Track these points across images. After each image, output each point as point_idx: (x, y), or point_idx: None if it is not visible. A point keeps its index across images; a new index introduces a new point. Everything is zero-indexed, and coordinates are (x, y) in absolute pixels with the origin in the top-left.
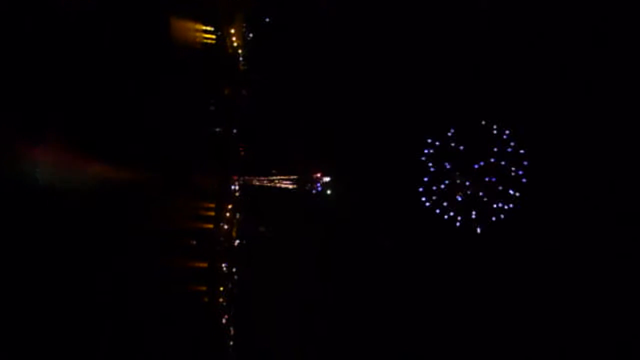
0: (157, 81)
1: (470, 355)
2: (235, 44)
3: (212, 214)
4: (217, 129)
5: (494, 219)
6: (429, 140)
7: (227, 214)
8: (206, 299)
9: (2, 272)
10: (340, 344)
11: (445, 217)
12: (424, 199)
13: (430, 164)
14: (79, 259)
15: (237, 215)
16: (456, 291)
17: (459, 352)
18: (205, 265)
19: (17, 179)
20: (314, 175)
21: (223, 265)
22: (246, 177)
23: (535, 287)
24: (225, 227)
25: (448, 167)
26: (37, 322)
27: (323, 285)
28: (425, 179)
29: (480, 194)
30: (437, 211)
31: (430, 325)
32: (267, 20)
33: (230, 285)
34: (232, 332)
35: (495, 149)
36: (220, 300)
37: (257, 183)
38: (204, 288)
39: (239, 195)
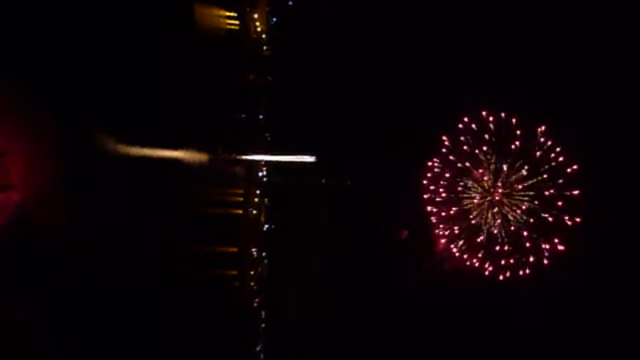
0: (182, 67)
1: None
2: (259, 29)
3: (241, 199)
4: (242, 115)
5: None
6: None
7: (256, 199)
8: (237, 283)
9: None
10: (369, 328)
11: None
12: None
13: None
14: (111, 246)
15: (266, 201)
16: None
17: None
18: (235, 250)
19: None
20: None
21: (253, 249)
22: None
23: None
24: (254, 212)
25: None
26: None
27: (353, 269)
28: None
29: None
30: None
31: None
32: (290, 3)
33: (260, 270)
34: (263, 315)
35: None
36: (251, 284)
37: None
38: (234, 272)
39: (267, 181)
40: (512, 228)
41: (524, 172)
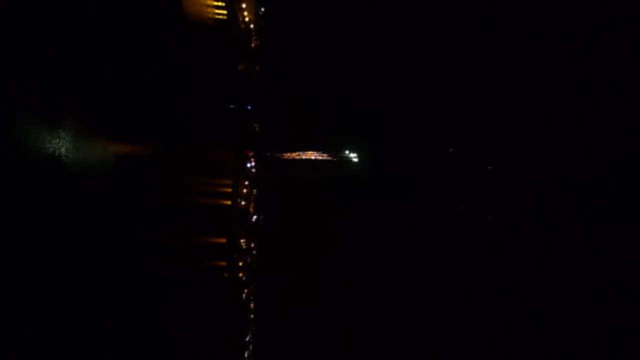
0: (170, 58)
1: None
2: (247, 19)
3: (229, 190)
4: (232, 106)
5: None
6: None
7: (244, 190)
8: (226, 274)
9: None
10: (359, 319)
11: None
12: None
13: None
14: (100, 234)
15: (254, 191)
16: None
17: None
18: (224, 240)
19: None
20: None
21: (242, 240)
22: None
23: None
24: (243, 203)
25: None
26: (55, 304)
27: (342, 260)
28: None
29: None
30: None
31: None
32: None
33: (249, 260)
34: (252, 306)
35: None
36: (240, 275)
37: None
38: (223, 263)
39: (256, 172)
40: None
41: None
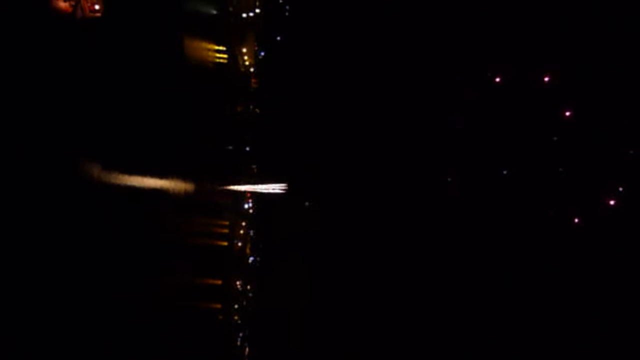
0: (170, 99)
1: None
2: (247, 63)
3: (226, 231)
4: (230, 147)
5: None
6: None
7: (241, 231)
8: (221, 317)
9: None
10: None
11: None
12: None
13: None
14: (95, 273)
15: (251, 233)
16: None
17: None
18: (219, 282)
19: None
20: None
21: (237, 282)
22: None
23: None
24: (239, 244)
25: None
26: (47, 334)
27: (338, 303)
28: None
29: None
30: None
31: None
32: (278, 39)
33: (244, 303)
34: (246, 350)
35: None
36: (235, 318)
37: None
38: (219, 306)
39: (253, 212)
40: None
41: None
